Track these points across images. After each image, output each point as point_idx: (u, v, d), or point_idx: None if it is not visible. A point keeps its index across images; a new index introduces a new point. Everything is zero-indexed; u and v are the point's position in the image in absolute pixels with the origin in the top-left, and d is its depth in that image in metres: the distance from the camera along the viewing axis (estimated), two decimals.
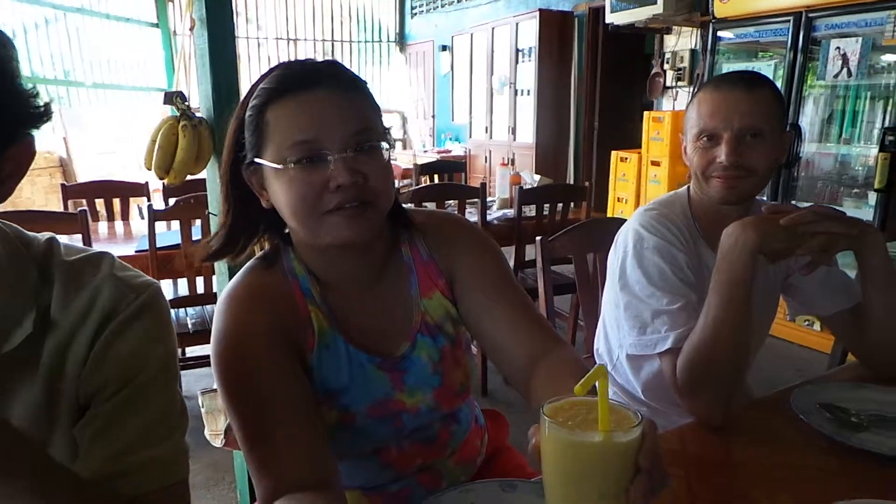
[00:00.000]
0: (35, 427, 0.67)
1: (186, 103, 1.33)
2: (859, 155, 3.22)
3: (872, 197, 3.06)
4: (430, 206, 2.81)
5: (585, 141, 5.52)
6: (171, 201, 2.99)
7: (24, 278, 0.66)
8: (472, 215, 2.97)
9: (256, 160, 0.79)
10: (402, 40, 8.62)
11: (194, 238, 2.38)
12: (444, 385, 0.90)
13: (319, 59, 0.83)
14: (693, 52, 4.45)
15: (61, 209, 3.19)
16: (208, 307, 2.58)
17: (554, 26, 5.50)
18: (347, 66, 0.82)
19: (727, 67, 3.75)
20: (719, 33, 3.74)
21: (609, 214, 4.45)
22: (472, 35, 6.57)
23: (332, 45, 8.44)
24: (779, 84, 3.25)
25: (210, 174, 1.42)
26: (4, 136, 0.59)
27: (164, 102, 1.31)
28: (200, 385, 0.92)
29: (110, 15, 6.58)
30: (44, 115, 0.61)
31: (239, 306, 0.81)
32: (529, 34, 5.62)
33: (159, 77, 7.04)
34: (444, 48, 7.44)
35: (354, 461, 0.90)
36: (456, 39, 6.99)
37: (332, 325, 0.85)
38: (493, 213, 3.14)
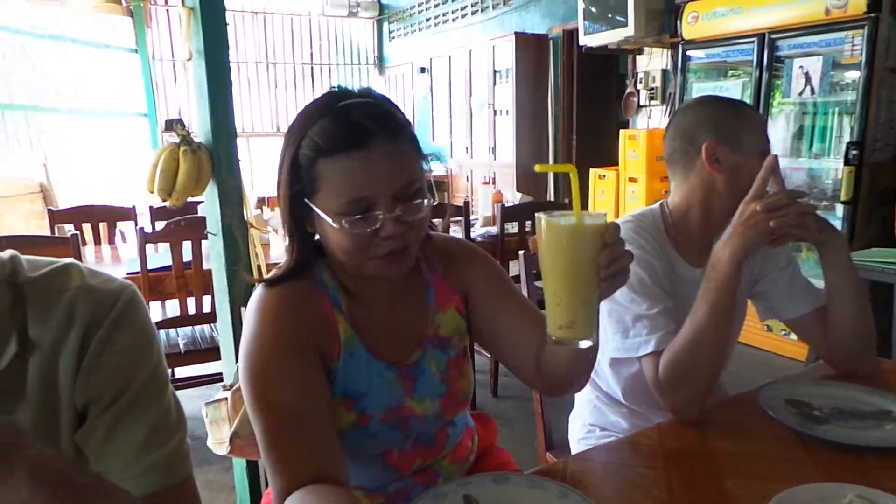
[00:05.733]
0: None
1: (186, 129, 1.40)
2: (829, 169, 3.36)
3: (840, 209, 3.20)
4: None
5: (564, 159, 5.66)
6: (159, 224, 3.03)
7: (5, 301, 0.66)
8: (456, 232, 3.04)
9: (307, 202, 0.85)
10: (380, 63, 8.75)
11: (185, 259, 2.43)
12: (450, 394, 0.97)
13: (354, 89, 0.87)
14: (665, 71, 4.61)
15: (47, 234, 3.20)
16: (198, 328, 2.62)
17: (530, 48, 5.66)
18: (392, 103, 0.87)
19: (698, 86, 3.90)
20: (689, 53, 3.89)
21: None
22: (450, 57, 6.71)
23: (312, 68, 8.54)
24: (748, 101, 3.41)
25: (209, 195, 1.48)
26: None
27: (165, 130, 1.41)
28: (191, 406, 0.96)
29: (89, 42, 6.61)
30: None
31: (267, 315, 0.87)
32: (506, 56, 5.76)
33: (139, 101, 7.08)
34: (422, 70, 7.58)
35: (360, 463, 0.96)
36: (434, 61, 7.13)
37: (356, 335, 0.92)
38: (477, 231, 3.23)
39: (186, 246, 2.41)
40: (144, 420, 0.70)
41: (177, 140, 1.38)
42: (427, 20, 7.48)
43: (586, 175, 4.74)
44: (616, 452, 1.01)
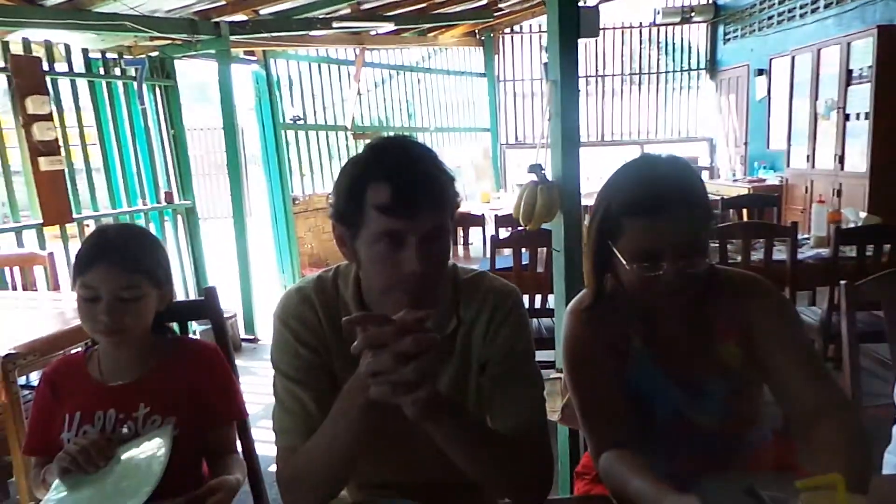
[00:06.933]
0: (455, 388, 1.05)
1: (543, 171, 1.84)
2: None
3: None
4: (737, 243, 2.91)
5: None
6: (501, 231, 3.66)
7: (448, 293, 1.07)
8: (780, 252, 2.97)
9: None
10: (713, 67, 8.45)
11: (523, 263, 2.96)
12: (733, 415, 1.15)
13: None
14: None
15: None
16: (533, 320, 3.15)
17: None
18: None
19: None
20: None
21: None
22: (792, 57, 6.20)
23: (640, 77, 8.69)
24: None
25: (556, 221, 1.93)
26: None
27: (528, 171, 1.83)
28: None
29: (448, 70, 7.94)
30: None
31: (578, 320, 1.18)
32: (864, 53, 5.12)
33: (483, 118, 8.22)
34: (759, 72, 7.12)
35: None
36: (774, 62, 6.65)
37: (649, 348, 1.17)
38: (806, 252, 3.09)
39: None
40: (518, 376, 1.05)
41: (536, 180, 1.84)
42: (769, 18, 7.01)
43: None
44: None
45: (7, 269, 3.19)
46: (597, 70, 8.67)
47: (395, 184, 0.90)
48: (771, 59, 6.74)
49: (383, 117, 7.21)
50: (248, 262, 4.89)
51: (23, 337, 2.17)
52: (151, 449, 1.14)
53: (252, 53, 5.54)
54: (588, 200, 1.52)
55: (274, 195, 5.80)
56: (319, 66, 6.42)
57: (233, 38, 4.57)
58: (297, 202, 5.98)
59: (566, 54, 1.81)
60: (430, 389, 0.80)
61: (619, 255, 1.09)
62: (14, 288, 3.16)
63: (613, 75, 8.70)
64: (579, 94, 1.83)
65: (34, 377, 2.63)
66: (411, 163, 0.93)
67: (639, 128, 8.77)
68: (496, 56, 8.22)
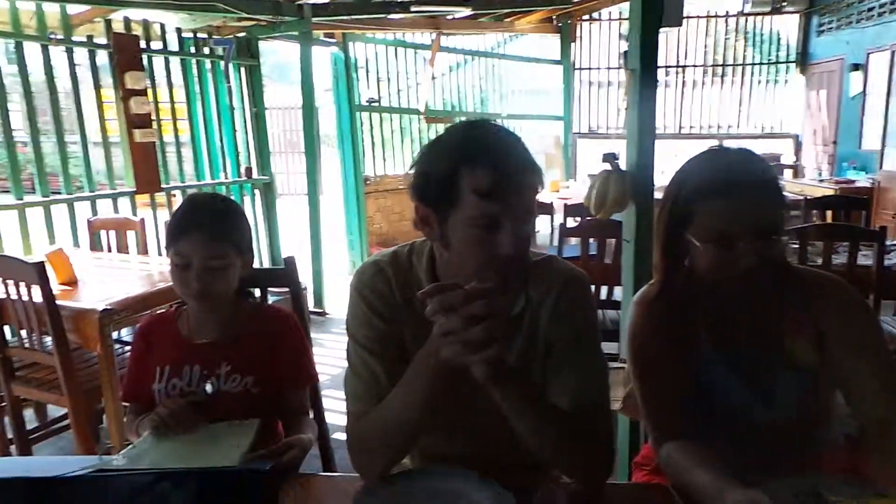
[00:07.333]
0: (521, 364, 1.08)
1: (617, 160, 1.83)
2: None
3: None
4: (818, 245, 2.79)
5: None
6: (569, 221, 3.64)
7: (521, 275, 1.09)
8: (866, 258, 2.83)
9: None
10: (804, 60, 8.02)
11: (590, 252, 2.95)
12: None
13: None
14: None
15: None
16: (600, 311, 3.13)
17: None
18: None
19: None
20: None
21: None
22: (892, 52, 5.81)
23: (723, 69, 8.35)
24: None
25: (628, 211, 1.91)
26: None
27: (602, 160, 1.83)
28: None
29: (523, 56, 7.87)
30: None
31: (646, 309, 1.19)
32: None
33: (556, 106, 8.11)
34: (855, 67, 6.71)
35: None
36: (872, 57, 6.25)
37: (717, 342, 1.17)
38: (894, 259, 2.93)
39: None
40: (584, 358, 1.07)
41: (609, 168, 1.83)
42: (868, 10, 6.57)
43: None
44: None
45: (104, 232, 3.44)
46: (677, 60, 8.38)
47: (495, 169, 0.92)
48: (868, 54, 6.34)
49: (455, 102, 7.25)
50: (319, 239, 5.05)
51: (115, 295, 2.36)
52: (237, 435, 1.20)
53: (332, 35, 5.68)
54: (661, 193, 1.52)
55: (347, 175, 5.95)
56: (395, 49, 6.51)
57: (314, 19, 4.70)
58: (368, 182, 6.12)
59: (647, 43, 1.79)
60: (498, 350, 0.83)
61: (692, 240, 1.09)
62: (109, 250, 3.41)
63: (695, 66, 8.39)
64: (658, 85, 1.80)
65: (125, 334, 2.85)
66: (508, 148, 0.95)
67: (718, 121, 8.44)
68: (573, 44, 8.07)
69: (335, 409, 1.80)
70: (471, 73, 7.40)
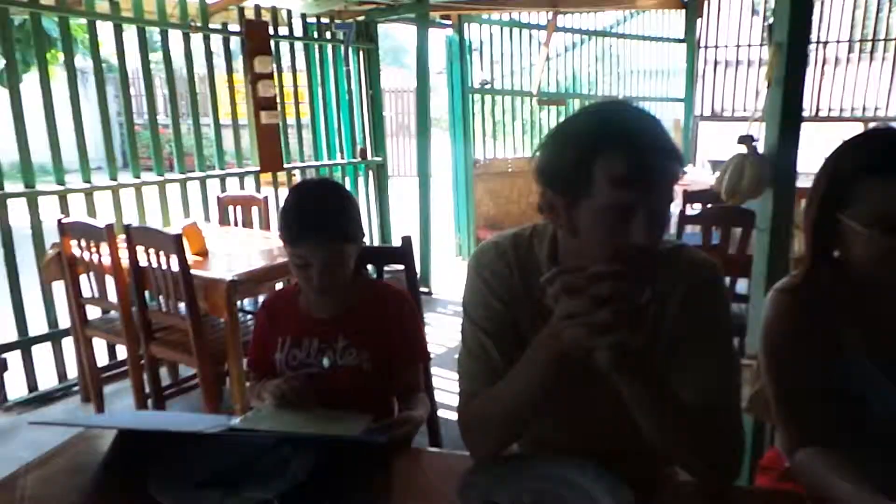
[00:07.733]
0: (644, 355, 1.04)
1: (754, 143, 1.68)
2: None
3: None
4: None
5: None
6: (689, 209, 3.44)
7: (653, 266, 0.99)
8: None
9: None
10: None
11: (713, 243, 2.76)
12: None
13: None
14: None
15: None
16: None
17: None
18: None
19: None
20: None
21: None
22: None
23: (873, 44, 7.52)
24: None
25: (764, 197, 1.75)
26: None
27: (738, 142, 1.68)
28: None
29: (642, 35, 7.49)
30: None
31: (786, 301, 1.09)
32: None
33: (677, 87, 7.67)
34: None
35: None
36: None
37: (865, 341, 1.06)
38: None
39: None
40: (716, 352, 1.00)
41: (745, 152, 1.68)
42: None
43: None
44: None
45: (231, 208, 3.68)
46: (817, 37, 7.64)
47: (633, 156, 0.86)
48: None
49: (570, 84, 7.05)
50: (428, 220, 5.12)
51: (241, 267, 2.51)
52: (351, 422, 1.21)
53: (447, 17, 5.69)
54: (802, 181, 1.38)
55: (457, 157, 5.97)
56: (511, 30, 6.41)
57: (432, 1, 4.73)
58: (477, 165, 6.12)
59: (797, 13, 1.61)
60: (625, 336, 0.78)
61: (853, 225, 0.98)
62: (235, 224, 3.65)
63: (839, 42, 7.61)
64: (808, 60, 1.63)
65: (247, 304, 3.04)
66: (647, 132, 0.88)
67: (864, 102, 7.62)
68: (699, 20, 7.58)
69: (440, 387, 1.81)
70: (586, 53, 7.15)
